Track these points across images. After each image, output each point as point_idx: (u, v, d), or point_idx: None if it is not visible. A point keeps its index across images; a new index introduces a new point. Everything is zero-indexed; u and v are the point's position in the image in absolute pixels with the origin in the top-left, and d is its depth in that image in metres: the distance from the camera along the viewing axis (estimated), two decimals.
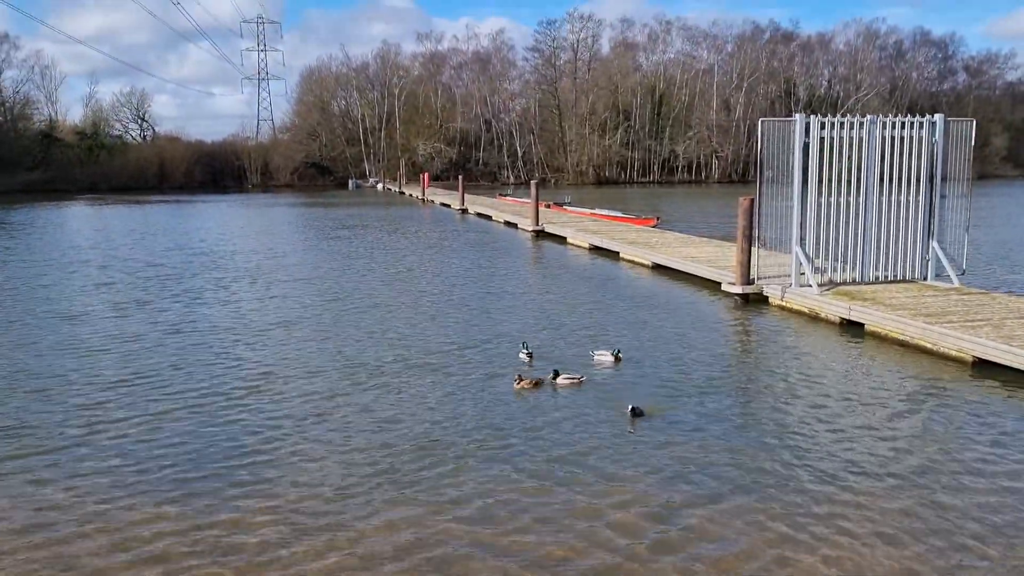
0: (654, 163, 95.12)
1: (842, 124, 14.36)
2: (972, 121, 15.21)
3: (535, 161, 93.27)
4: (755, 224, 15.11)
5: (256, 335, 12.68)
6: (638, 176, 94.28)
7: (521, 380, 9.62)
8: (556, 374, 9.75)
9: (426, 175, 65.09)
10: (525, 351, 11.00)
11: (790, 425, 8.24)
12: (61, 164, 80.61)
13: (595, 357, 10.77)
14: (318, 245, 27.42)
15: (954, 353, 10.72)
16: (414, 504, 6.42)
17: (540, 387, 9.53)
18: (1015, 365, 9.82)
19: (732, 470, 7.05)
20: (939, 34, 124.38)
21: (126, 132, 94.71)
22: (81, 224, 39.64)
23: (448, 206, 47.73)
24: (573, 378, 9.75)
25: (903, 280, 14.85)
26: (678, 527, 6.01)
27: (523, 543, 5.78)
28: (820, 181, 14.33)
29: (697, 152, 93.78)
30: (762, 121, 14.82)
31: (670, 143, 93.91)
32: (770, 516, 6.15)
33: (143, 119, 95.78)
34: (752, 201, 15.17)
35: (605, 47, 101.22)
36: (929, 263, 14.97)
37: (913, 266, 14.96)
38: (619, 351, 10.81)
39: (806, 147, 14.21)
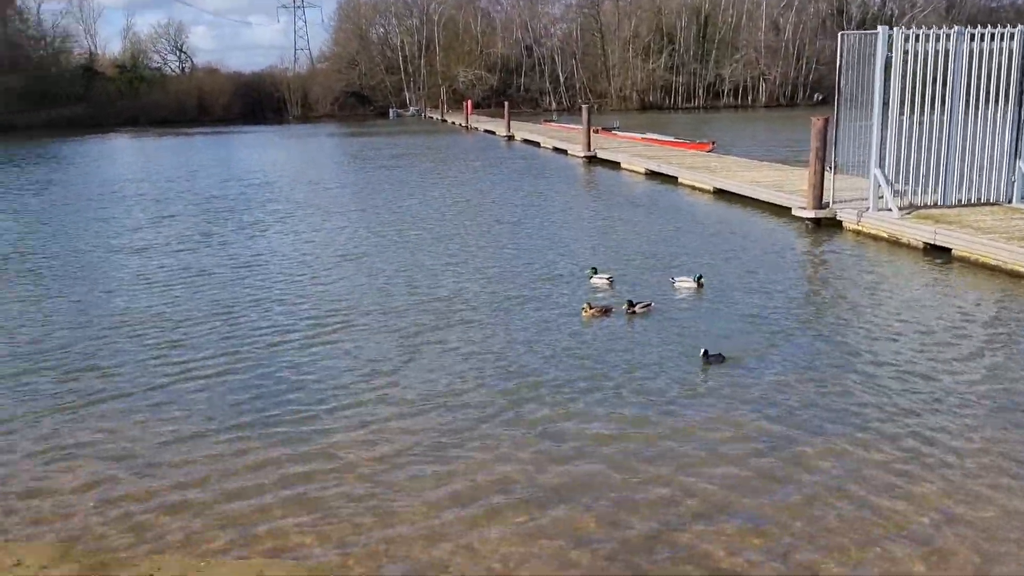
0: (699, 87, 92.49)
1: (927, 37, 13.57)
2: None
3: (577, 87, 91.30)
4: (829, 145, 14.50)
5: (326, 269, 12.51)
6: (682, 101, 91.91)
7: (590, 308, 9.38)
8: (631, 304, 9.47)
9: (469, 102, 64.24)
10: (603, 277, 10.73)
11: (895, 360, 7.91)
12: (102, 98, 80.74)
13: (676, 283, 10.46)
14: (369, 176, 27.14)
15: None
16: (512, 443, 6.26)
17: (608, 315, 9.29)
18: None
19: (831, 406, 6.79)
20: None
21: (165, 64, 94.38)
22: (129, 157, 39.78)
23: (493, 133, 47.03)
24: (645, 305, 9.50)
25: (987, 203, 14.20)
26: (783, 462, 5.78)
27: (627, 483, 5.61)
28: (902, 99, 13.63)
29: (744, 76, 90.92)
30: (841, 35, 14.09)
31: (715, 67, 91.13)
32: (872, 450, 5.89)
33: (181, 51, 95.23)
34: (826, 121, 14.54)
35: None
36: (1016, 184, 14.28)
37: (998, 188, 14.29)
38: (701, 277, 10.49)
39: (888, 62, 13.49)
